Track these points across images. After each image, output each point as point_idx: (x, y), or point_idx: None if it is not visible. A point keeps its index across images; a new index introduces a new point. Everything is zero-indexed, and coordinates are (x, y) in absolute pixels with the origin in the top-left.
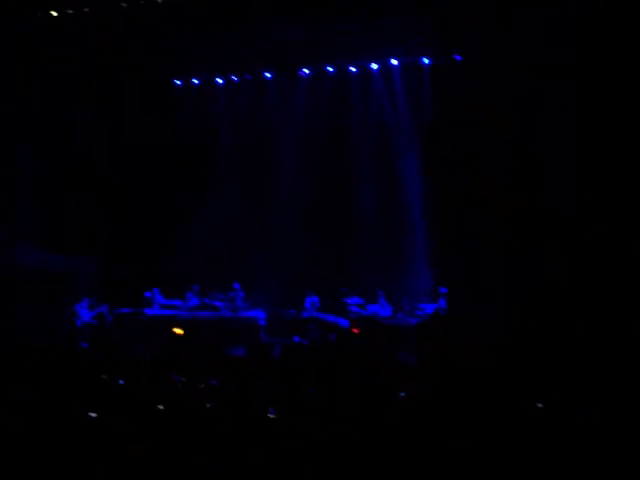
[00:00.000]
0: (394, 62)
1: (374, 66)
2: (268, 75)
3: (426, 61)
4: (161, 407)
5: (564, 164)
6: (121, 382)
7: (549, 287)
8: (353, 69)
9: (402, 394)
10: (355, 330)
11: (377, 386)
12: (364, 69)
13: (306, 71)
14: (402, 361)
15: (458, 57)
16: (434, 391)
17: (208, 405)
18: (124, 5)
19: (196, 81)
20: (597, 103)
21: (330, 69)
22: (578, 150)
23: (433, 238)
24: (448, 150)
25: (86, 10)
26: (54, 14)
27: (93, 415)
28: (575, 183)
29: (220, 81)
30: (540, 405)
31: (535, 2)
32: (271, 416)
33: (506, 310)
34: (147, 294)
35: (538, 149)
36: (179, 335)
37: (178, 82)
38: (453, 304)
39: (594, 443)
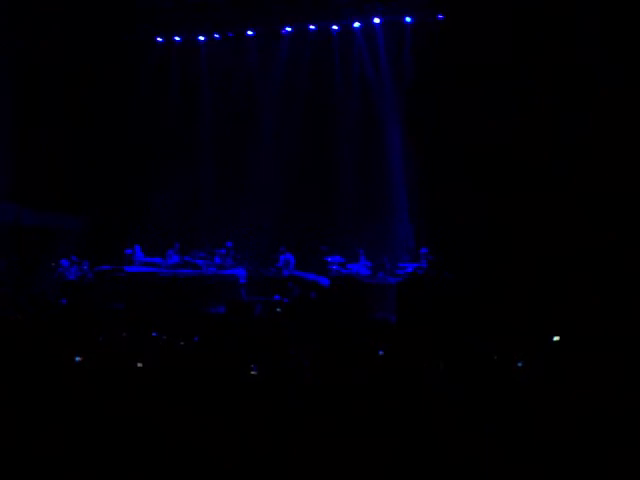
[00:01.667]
0: (376, 20)
1: (356, 24)
2: (250, 33)
3: (409, 20)
4: (140, 365)
5: (544, 124)
6: (100, 338)
7: (525, 247)
8: (335, 27)
9: (380, 352)
10: None
11: (356, 344)
12: (346, 27)
13: (288, 29)
14: (381, 319)
15: (440, 16)
16: (412, 349)
17: (188, 362)
18: None
19: (178, 39)
20: (584, 65)
21: (312, 27)
22: (560, 112)
23: (414, 197)
24: (429, 109)
25: None
26: None
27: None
28: (555, 143)
29: (202, 39)
30: (520, 364)
31: None
32: (253, 373)
33: (482, 269)
34: (127, 251)
35: (520, 110)
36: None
37: (160, 39)
38: (433, 263)
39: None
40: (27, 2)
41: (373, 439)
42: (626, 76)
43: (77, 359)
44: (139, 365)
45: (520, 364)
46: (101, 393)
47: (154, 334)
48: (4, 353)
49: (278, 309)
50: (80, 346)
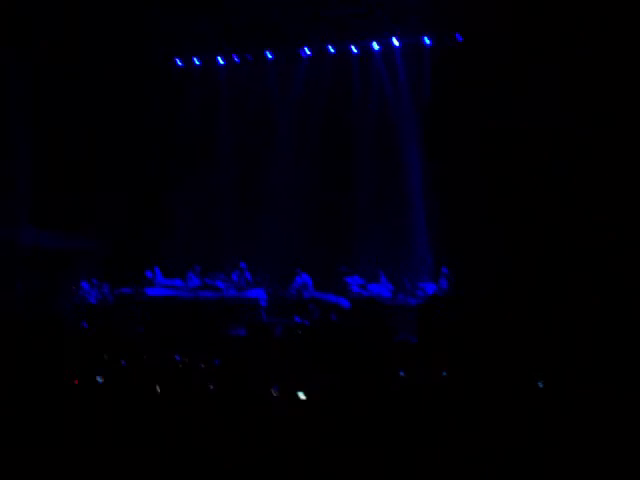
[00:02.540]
0: (395, 42)
1: (375, 46)
2: (269, 55)
3: (427, 41)
4: (159, 389)
5: (564, 145)
6: (122, 362)
7: (549, 268)
8: (354, 49)
9: (402, 373)
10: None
11: (377, 365)
12: (365, 49)
13: (307, 51)
14: (402, 341)
15: (459, 37)
16: (434, 371)
17: (210, 385)
18: None
19: (197, 61)
20: (604, 83)
21: (331, 49)
22: (581, 133)
23: (434, 218)
24: (448, 130)
25: None
26: None
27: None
28: (575, 164)
29: (221, 61)
30: (541, 385)
31: None
32: (274, 394)
33: (505, 290)
34: (148, 274)
35: (539, 130)
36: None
37: (179, 62)
38: (454, 284)
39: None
40: (46, 24)
41: (395, 461)
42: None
43: (99, 380)
44: (158, 389)
45: (541, 385)
46: (122, 415)
47: (176, 357)
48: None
49: (299, 331)
50: (101, 369)
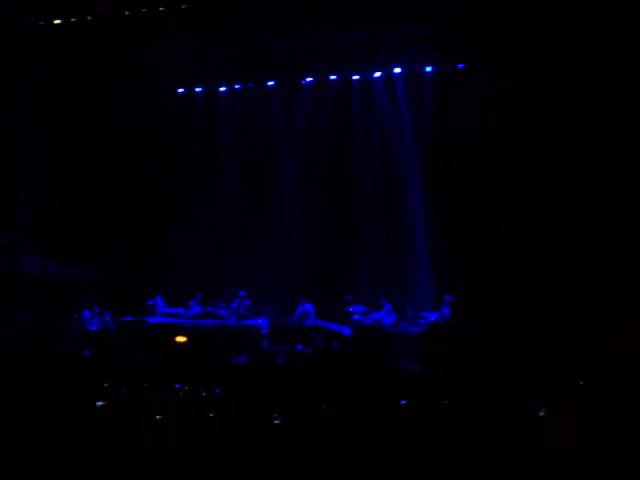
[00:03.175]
0: (397, 70)
1: (377, 74)
2: (271, 83)
3: (429, 69)
4: (159, 417)
5: (566, 172)
6: (124, 390)
7: (552, 297)
8: (356, 77)
9: (403, 402)
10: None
11: (379, 393)
12: (367, 77)
13: (309, 79)
14: (404, 369)
15: (461, 65)
16: (435, 398)
17: (211, 413)
18: (127, 13)
19: (199, 89)
20: (607, 115)
21: (333, 77)
22: (581, 156)
23: (436, 247)
24: (450, 159)
25: (89, 18)
26: (57, 22)
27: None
28: (575, 190)
29: (223, 89)
30: (542, 413)
31: (535, 10)
32: (277, 422)
33: (507, 319)
34: (149, 302)
35: (542, 156)
36: (182, 343)
37: (181, 90)
38: (455, 313)
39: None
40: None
41: None
42: None
43: (99, 404)
44: (158, 417)
45: (542, 413)
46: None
47: (177, 385)
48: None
49: (301, 359)
50: (103, 397)
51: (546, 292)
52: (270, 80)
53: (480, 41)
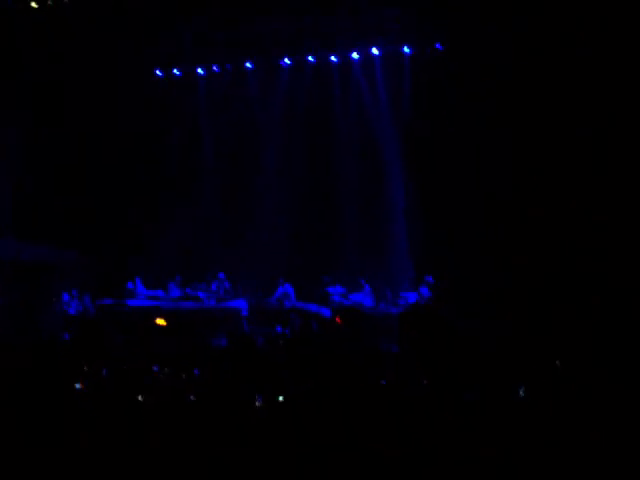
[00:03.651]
0: (375, 51)
1: (355, 55)
2: (249, 65)
3: (407, 50)
4: (141, 398)
5: (547, 155)
6: (103, 372)
7: (530, 278)
8: (334, 59)
9: (383, 382)
10: (338, 320)
11: (359, 374)
12: (345, 59)
13: (287, 61)
14: (383, 350)
15: (439, 46)
16: (414, 379)
17: (191, 396)
18: None
19: (177, 71)
20: (586, 95)
21: (311, 59)
22: (561, 142)
23: (415, 227)
24: (429, 140)
25: (66, 1)
26: (34, 6)
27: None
28: (555, 172)
29: (201, 71)
30: (522, 393)
31: None
32: (258, 404)
33: (488, 301)
34: (129, 285)
35: (521, 138)
36: (161, 325)
37: (159, 73)
38: (435, 294)
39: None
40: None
41: (376, 469)
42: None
43: (77, 386)
44: (140, 398)
45: (522, 392)
46: (101, 425)
47: (155, 367)
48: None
49: (280, 340)
50: (82, 379)
51: (528, 273)
52: (248, 62)
53: (459, 21)
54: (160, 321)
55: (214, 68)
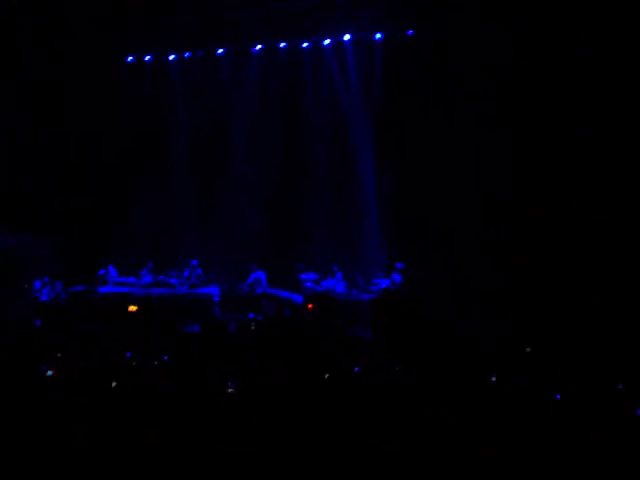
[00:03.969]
0: (346, 37)
1: (326, 42)
2: (220, 51)
3: (378, 36)
4: (114, 384)
5: (515, 142)
6: (74, 359)
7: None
8: (306, 45)
9: (356, 369)
10: (310, 305)
11: (332, 361)
12: (316, 45)
13: (258, 47)
14: (356, 336)
15: (410, 32)
16: (387, 365)
17: (163, 382)
18: None
19: (148, 58)
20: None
21: (282, 45)
22: (530, 130)
23: (388, 213)
24: (400, 126)
25: None
26: None
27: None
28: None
29: (172, 58)
30: (494, 379)
31: None
32: (230, 391)
33: (458, 285)
34: (101, 271)
35: (490, 126)
36: (133, 312)
37: (130, 59)
38: (407, 279)
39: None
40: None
41: (349, 456)
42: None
43: (49, 373)
44: (113, 384)
45: (494, 379)
46: (74, 412)
47: (128, 354)
48: None
49: (252, 327)
50: (53, 366)
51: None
52: (220, 48)
53: (430, 6)
54: (132, 308)
55: (185, 55)
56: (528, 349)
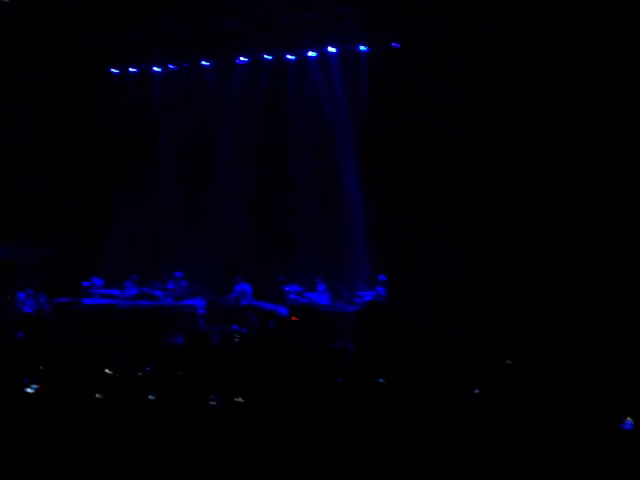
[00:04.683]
0: (332, 50)
1: (311, 54)
2: (206, 63)
3: (363, 48)
4: (99, 396)
5: (501, 152)
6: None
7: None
8: (291, 57)
9: (340, 380)
10: (294, 318)
11: (315, 373)
12: (302, 57)
13: (243, 59)
14: (340, 348)
15: (395, 44)
16: (370, 377)
17: (147, 394)
18: None
19: (133, 69)
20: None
21: (267, 57)
22: (517, 139)
23: (371, 227)
24: (385, 137)
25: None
26: None
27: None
28: (510, 170)
29: (157, 69)
30: (477, 391)
31: None
32: (212, 403)
33: (442, 297)
34: (85, 283)
35: (476, 138)
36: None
37: (115, 70)
38: (390, 292)
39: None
40: None
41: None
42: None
43: (34, 387)
44: (98, 396)
45: (477, 391)
46: (57, 423)
47: (111, 366)
48: None
49: (236, 339)
50: (37, 379)
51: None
52: (204, 60)
53: (415, 20)
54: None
55: (170, 66)
56: (508, 361)
